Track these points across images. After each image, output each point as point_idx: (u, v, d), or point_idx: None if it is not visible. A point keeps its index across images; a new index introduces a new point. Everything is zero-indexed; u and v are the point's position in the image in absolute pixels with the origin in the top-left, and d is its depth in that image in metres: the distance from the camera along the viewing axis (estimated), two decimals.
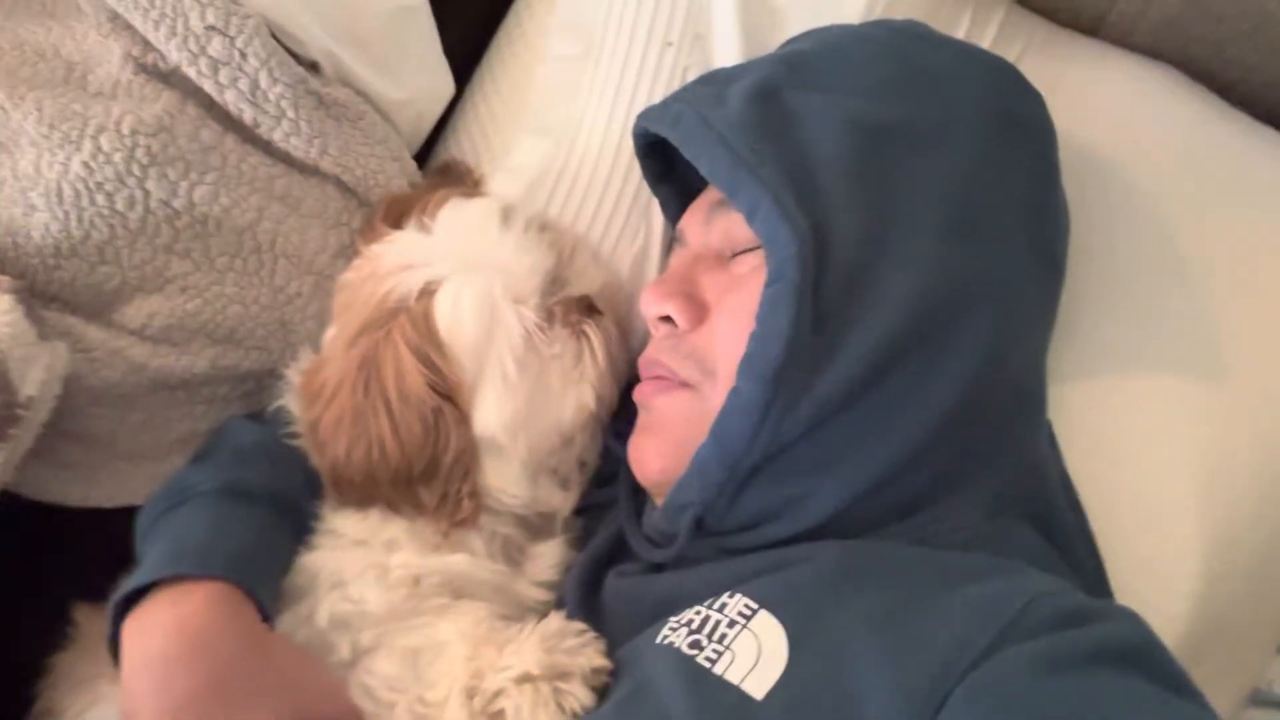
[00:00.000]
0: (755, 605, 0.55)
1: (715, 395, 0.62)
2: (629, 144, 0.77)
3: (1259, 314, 0.76)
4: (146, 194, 0.72)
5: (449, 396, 0.66)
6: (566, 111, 0.85)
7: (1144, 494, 0.72)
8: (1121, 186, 0.80)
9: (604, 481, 0.78)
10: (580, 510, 0.77)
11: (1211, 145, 0.81)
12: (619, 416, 0.77)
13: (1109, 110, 0.83)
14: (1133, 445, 0.74)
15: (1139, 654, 0.48)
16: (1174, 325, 0.76)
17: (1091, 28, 0.88)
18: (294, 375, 0.74)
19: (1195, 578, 0.71)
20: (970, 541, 0.60)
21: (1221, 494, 0.72)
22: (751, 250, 0.64)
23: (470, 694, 0.59)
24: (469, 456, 0.68)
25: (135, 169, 0.71)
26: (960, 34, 0.84)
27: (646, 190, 0.80)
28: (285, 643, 0.63)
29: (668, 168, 0.77)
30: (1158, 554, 0.71)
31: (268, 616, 0.63)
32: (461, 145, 0.92)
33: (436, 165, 0.91)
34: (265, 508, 0.67)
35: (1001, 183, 0.64)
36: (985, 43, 0.84)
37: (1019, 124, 0.67)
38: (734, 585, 0.57)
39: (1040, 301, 0.67)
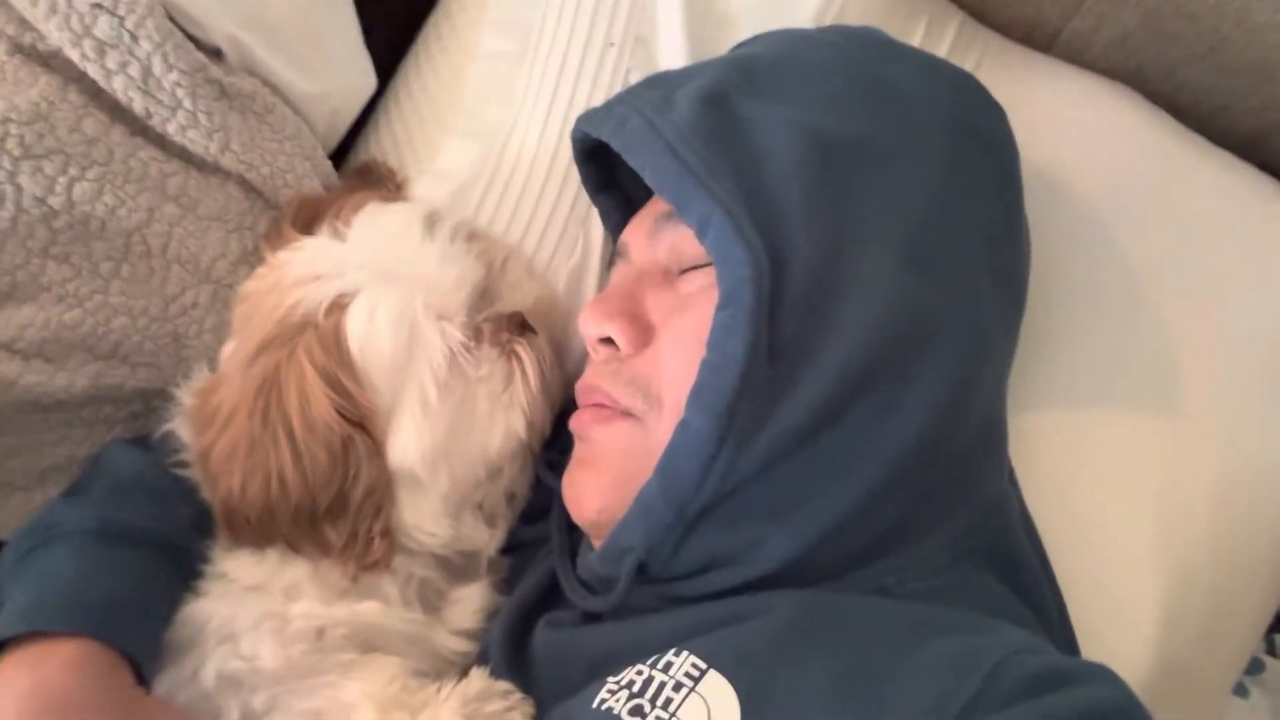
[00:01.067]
0: (704, 665, 0.50)
1: (660, 427, 0.58)
2: (567, 149, 0.73)
3: (1216, 343, 0.75)
4: (18, 190, 0.65)
5: (360, 424, 0.61)
6: (499, 113, 0.81)
7: (1100, 531, 0.72)
8: (1078, 209, 0.78)
9: (534, 517, 0.74)
10: (507, 549, 0.73)
11: (1170, 169, 0.80)
12: (552, 445, 0.73)
13: (1065, 129, 0.81)
14: (1091, 482, 0.73)
15: (1120, 717, 0.45)
16: (1132, 355, 0.75)
17: (1045, 44, 0.87)
18: (186, 396, 0.68)
19: (1155, 622, 0.70)
20: (935, 590, 0.57)
21: (1179, 531, 0.72)
22: (701, 268, 0.60)
23: None
24: (382, 491, 0.63)
25: (5, 161, 0.64)
26: (914, 45, 0.80)
27: (585, 199, 0.77)
28: (163, 710, 0.56)
29: (608, 175, 0.74)
30: (1118, 597, 0.70)
31: (144, 679, 0.56)
32: (383, 146, 0.87)
33: (354, 166, 0.86)
34: (144, 550, 0.60)
35: (966, 203, 0.61)
36: (940, 55, 0.81)
37: (983, 140, 0.64)
38: (680, 640, 0.52)
39: (1004, 330, 0.64)
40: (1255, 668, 0.84)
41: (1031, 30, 0.87)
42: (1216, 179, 0.79)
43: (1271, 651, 0.85)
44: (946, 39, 0.84)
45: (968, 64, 0.83)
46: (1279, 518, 0.72)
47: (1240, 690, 0.83)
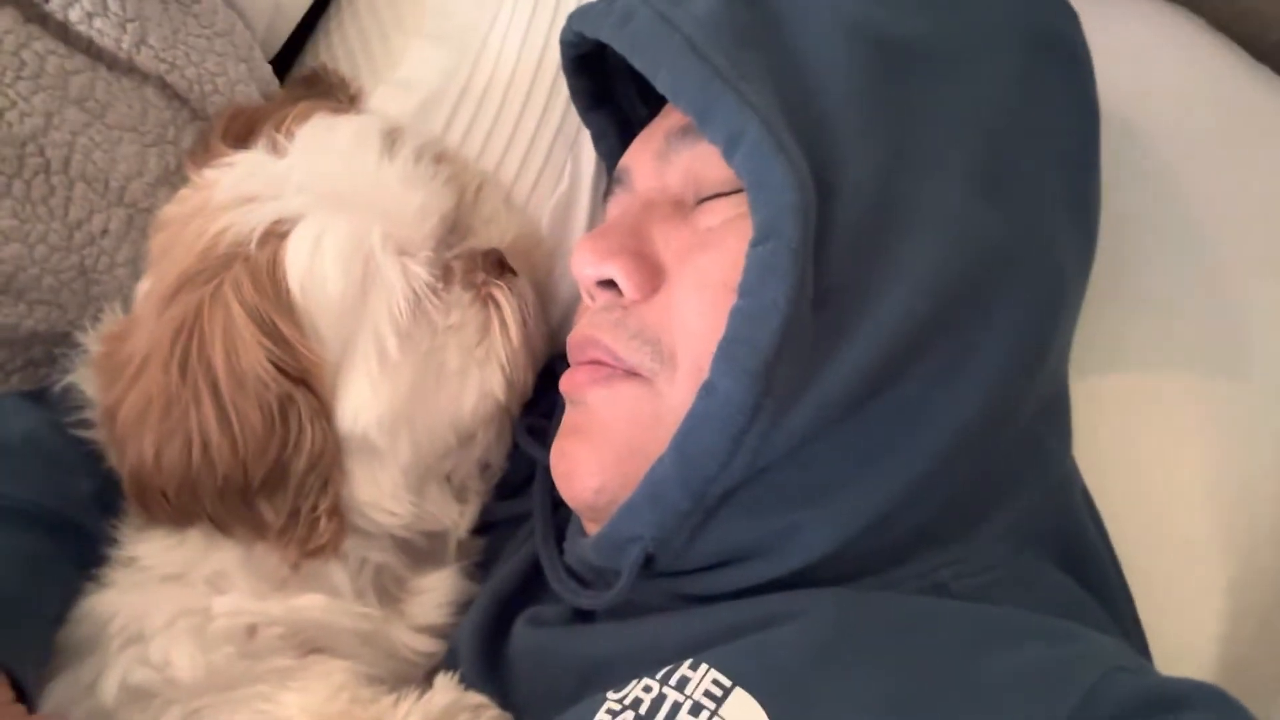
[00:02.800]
0: (728, 682, 0.43)
1: (674, 391, 0.50)
2: (554, 56, 0.67)
3: None
4: None
5: (301, 379, 0.55)
6: (472, 12, 0.73)
7: (1158, 517, 0.65)
8: (1136, 145, 0.71)
9: (513, 491, 0.67)
10: (481, 529, 0.66)
11: (1236, 101, 0.73)
12: (534, 408, 0.66)
13: (1120, 56, 0.73)
14: (1145, 458, 0.66)
15: None
16: (1190, 314, 0.68)
17: None
18: (93, 343, 0.61)
19: (1219, 615, 0.64)
20: (994, 585, 0.50)
21: (1247, 516, 0.65)
22: (725, 195, 0.52)
23: None
24: (329, 461, 0.56)
25: None
26: None
27: (575, 118, 0.69)
28: None
29: (604, 89, 0.66)
30: (1180, 586, 0.63)
31: (26, 693, 0.47)
32: (334, 51, 0.78)
33: (299, 74, 0.77)
34: (32, 530, 0.52)
35: (1041, 123, 0.54)
36: None
37: (1060, 51, 0.56)
38: (697, 649, 0.45)
39: (1080, 280, 0.57)
40: None
41: None
42: None
43: None
44: None
45: None
46: None
47: None
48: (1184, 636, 0.63)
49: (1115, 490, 0.63)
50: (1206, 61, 0.74)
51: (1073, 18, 0.58)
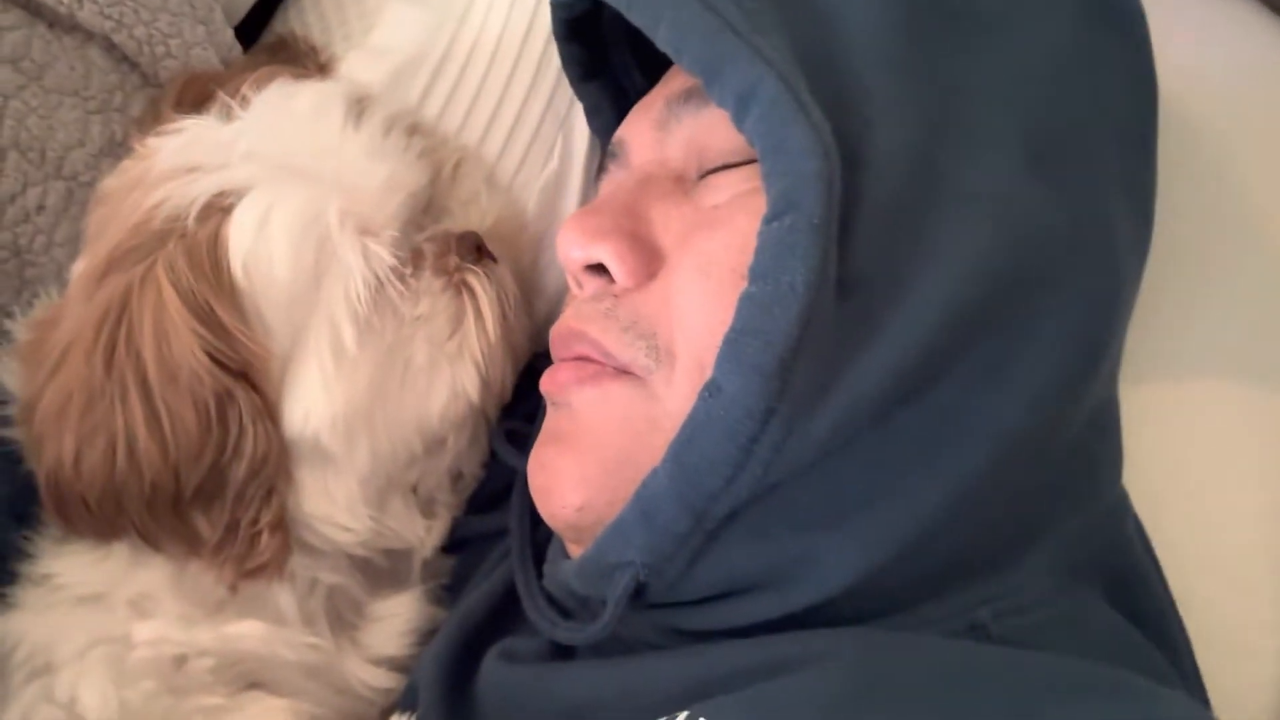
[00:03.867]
0: None
1: (672, 392, 0.44)
2: (544, 22, 0.64)
3: None
4: None
5: (243, 373, 0.50)
6: None
7: (1211, 543, 0.60)
8: (1189, 133, 0.66)
9: (488, 505, 0.63)
10: (450, 547, 0.62)
11: None
12: (514, 411, 0.62)
13: (1176, 40, 0.67)
14: (1202, 477, 0.61)
15: None
16: (1246, 318, 0.63)
17: None
18: (21, 330, 0.57)
19: (1276, 657, 0.59)
20: (1041, 626, 0.44)
21: None
22: (734, 167, 0.46)
23: None
24: (274, 467, 0.52)
25: None
26: None
27: (567, 90, 0.64)
28: None
29: (599, 59, 0.61)
30: (1234, 627, 0.58)
31: None
32: (305, 16, 0.74)
33: (265, 42, 0.73)
34: None
35: (1096, 94, 0.49)
36: None
37: (1115, 16, 0.51)
38: (692, 698, 0.39)
39: (1137, 269, 0.52)
40: None
41: None
42: None
43: None
44: None
45: None
46: None
47: None
48: (1240, 681, 0.57)
49: (1163, 516, 0.58)
50: (1264, 46, 0.69)
51: None
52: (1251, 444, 0.61)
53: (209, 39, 0.65)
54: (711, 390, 0.40)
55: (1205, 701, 0.51)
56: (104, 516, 0.50)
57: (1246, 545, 0.60)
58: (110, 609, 0.51)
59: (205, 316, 0.48)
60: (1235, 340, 0.63)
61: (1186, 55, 0.66)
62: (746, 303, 0.39)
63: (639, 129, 0.52)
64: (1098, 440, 0.50)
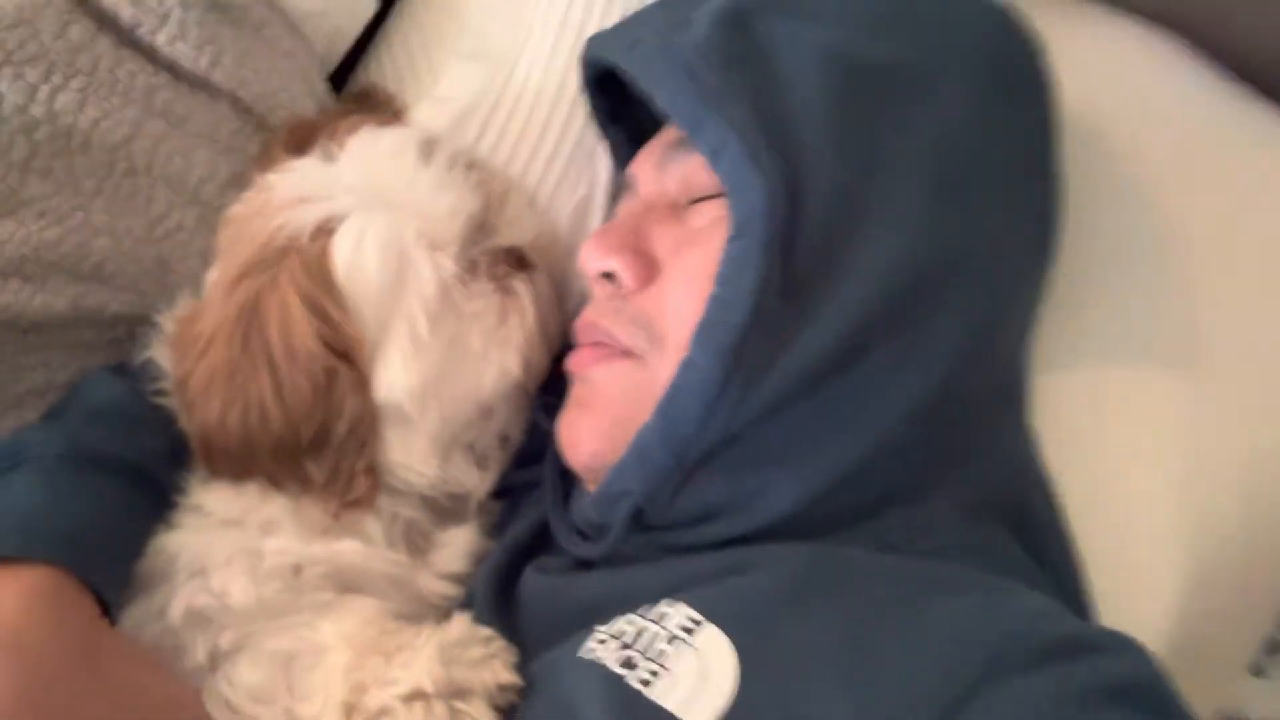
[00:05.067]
0: (700, 618, 0.48)
1: (663, 367, 0.55)
2: (575, 77, 0.71)
3: (1251, 305, 0.72)
4: None
5: (345, 354, 0.59)
6: (505, 36, 0.78)
7: (1123, 499, 0.68)
8: (1113, 160, 0.74)
9: (528, 460, 0.71)
10: (499, 493, 0.71)
11: (1214, 119, 0.76)
12: (549, 387, 0.70)
13: (1106, 77, 0.77)
14: (1112, 445, 0.69)
15: (1145, 691, 0.44)
16: (1160, 313, 0.71)
17: None
18: (168, 323, 0.67)
19: (1177, 593, 0.67)
20: (946, 548, 0.55)
21: (1204, 501, 0.68)
22: (712, 198, 0.57)
23: (349, 711, 0.51)
24: (367, 426, 0.61)
25: None
26: None
27: (593, 131, 0.74)
28: (124, 645, 0.54)
29: (619, 106, 0.71)
30: (1136, 565, 0.67)
31: (109, 611, 0.54)
32: (384, 69, 0.84)
33: (353, 91, 0.84)
34: (116, 478, 0.58)
35: (998, 138, 0.59)
36: None
37: (1020, 75, 0.61)
38: (676, 591, 0.50)
39: (1031, 278, 0.62)
40: (1273, 648, 0.82)
41: None
42: (1263, 132, 0.75)
43: None
44: None
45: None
46: None
47: (1259, 671, 0.80)
48: (1142, 612, 0.65)
49: (1081, 476, 0.66)
50: (1181, 80, 0.77)
51: (1033, 46, 0.63)
52: (1162, 420, 0.68)
53: (309, 91, 0.76)
54: (688, 364, 0.51)
55: (1090, 618, 0.61)
56: (241, 462, 0.60)
57: (1156, 502, 0.67)
58: (245, 530, 0.60)
59: (318, 311, 0.58)
60: (1153, 335, 0.70)
61: (1108, 90, 0.75)
62: (713, 302, 0.51)
63: (645, 167, 0.63)
64: (1000, 408, 0.60)
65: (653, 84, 0.56)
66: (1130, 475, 0.69)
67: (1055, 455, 0.67)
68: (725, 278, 0.51)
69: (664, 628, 0.48)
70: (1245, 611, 0.71)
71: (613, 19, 0.74)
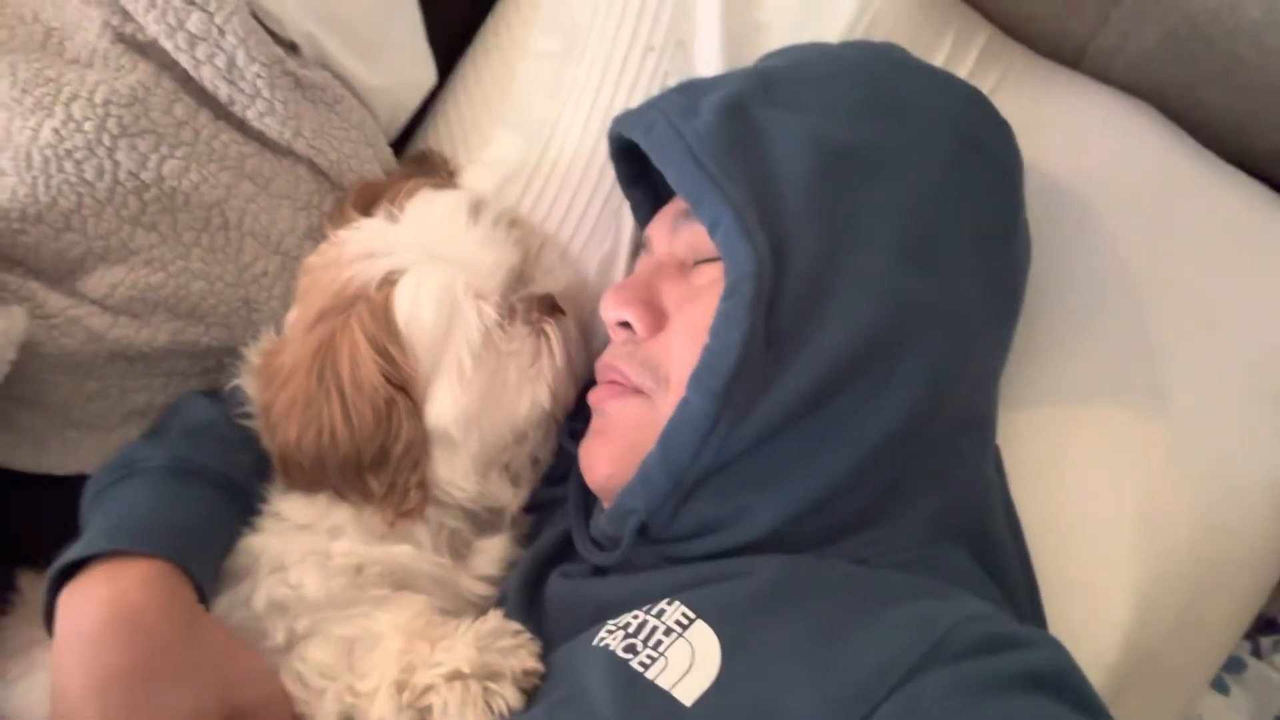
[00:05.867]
0: (692, 615, 0.55)
1: (666, 404, 0.62)
2: (604, 146, 0.77)
3: (1211, 354, 0.77)
4: (115, 164, 0.71)
5: (403, 387, 0.66)
6: (545, 108, 0.85)
7: (1083, 523, 0.74)
8: (1088, 220, 0.81)
9: (555, 480, 0.78)
10: (529, 508, 0.77)
11: (1181, 184, 0.82)
12: (575, 417, 0.76)
13: (1081, 142, 0.84)
14: (1075, 475, 0.75)
15: (1057, 679, 0.49)
16: (1126, 360, 0.77)
17: (1072, 59, 0.89)
18: (253, 355, 0.73)
19: (1128, 608, 0.72)
20: (909, 563, 0.61)
21: (1159, 528, 0.74)
22: (712, 261, 0.64)
23: (400, 687, 0.58)
24: (419, 448, 0.67)
25: (105, 139, 0.70)
26: (940, 58, 0.84)
27: (619, 193, 0.80)
28: (218, 626, 0.62)
29: (641, 171, 0.77)
30: (1092, 582, 0.72)
31: (204, 598, 0.62)
32: (440, 135, 0.91)
33: (412, 155, 0.90)
34: (211, 487, 0.67)
35: (961, 209, 0.64)
36: (965, 68, 0.85)
37: (984, 151, 0.67)
38: (673, 593, 0.57)
39: (993, 331, 0.67)
40: (1237, 666, 0.86)
41: (1058, 45, 0.88)
42: (1225, 196, 0.80)
43: (1256, 653, 0.87)
44: (973, 51, 0.86)
45: (992, 77, 0.86)
46: (1259, 521, 0.74)
47: (1221, 687, 0.85)
48: (1095, 625, 0.71)
49: (1046, 503, 0.73)
50: (1149, 144, 0.82)
51: (1002, 125, 0.70)
52: (1119, 450, 0.75)
53: (375, 156, 0.83)
54: (684, 403, 0.59)
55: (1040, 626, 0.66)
56: (313, 476, 0.67)
57: (1110, 523, 0.73)
58: (316, 534, 0.66)
59: (382, 351, 0.64)
60: (1111, 374, 0.76)
61: (1082, 152, 0.81)
62: (707, 351, 0.58)
63: (659, 231, 0.70)
64: (965, 439, 0.66)
65: (664, 164, 0.64)
66: (1088, 501, 0.74)
67: (1020, 485, 0.73)
68: (717, 331, 0.58)
69: (662, 622, 0.56)
70: (1201, 628, 0.76)
71: (636, 99, 0.82)
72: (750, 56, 0.80)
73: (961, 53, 0.86)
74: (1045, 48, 0.89)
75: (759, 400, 0.58)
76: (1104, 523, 0.73)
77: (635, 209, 0.80)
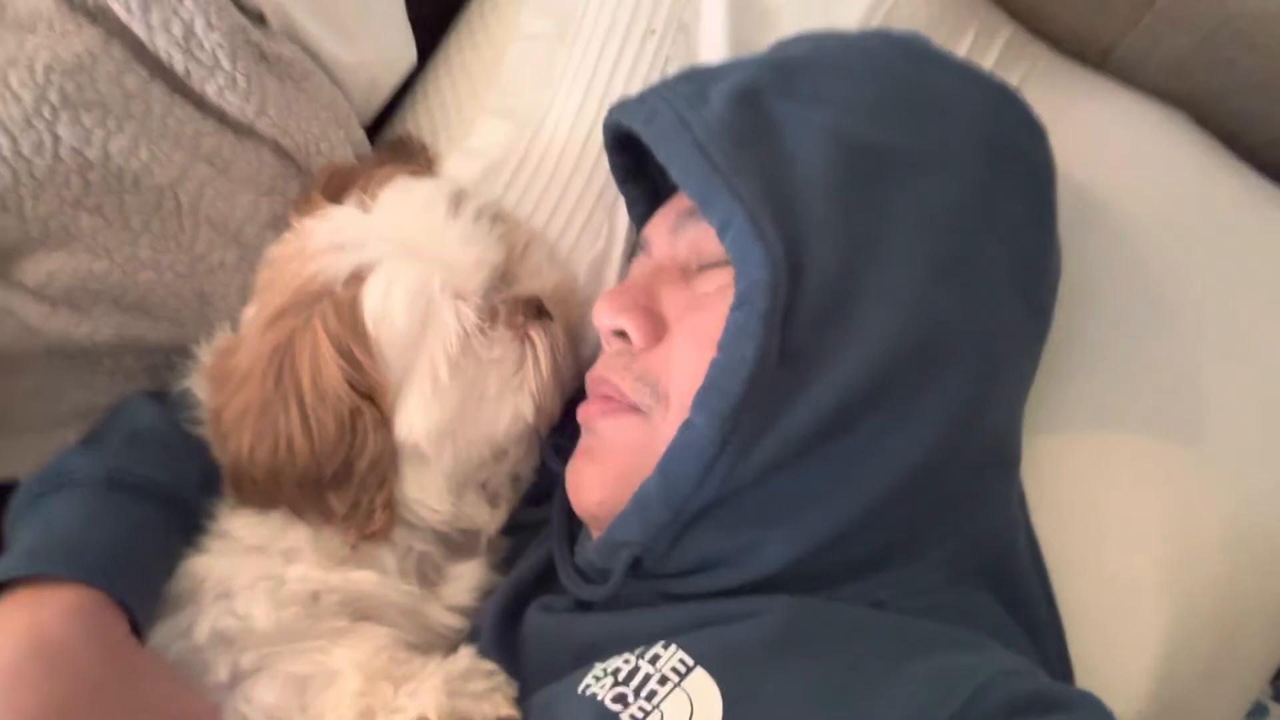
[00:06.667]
0: (691, 661, 0.50)
1: (666, 425, 0.58)
2: (599, 136, 0.73)
3: (1242, 376, 0.73)
4: (56, 139, 0.66)
5: (369, 396, 0.62)
6: (535, 94, 0.80)
7: (1109, 563, 0.70)
8: (1114, 232, 0.77)
9: (537, 500, 0.74)
10: (508, 530, 0.73)
11: (1211, 197, 0.78)
12: (560, 431, 0.73)
13: (1109, 150, 0.80)
14: (1101, 509, 0.71)
15: None
16: (1155, 383, 0.73)
17: (1097, 60, 0.85)
18: (205, 355, 0.69)
19: (1157, 656, 0.68)
20: (929, 607, 0.57)
21: (1188, 569, 0.70)
22: (719, 266, 0.60)
23: None
24: (387, 463, 0.63)
25: (46, 110, 0.65)
26: (961, 53, 0.80)
27: (613, 188, 0.76)
28: (154, 661, 0.57)
29: (638, 165, 0.73)
30: (1120, 628, 0.69)
31: (139, 629, 0.57)
32: (419, 120, 0.86)
33: (388, 140, 0.86)
34: (151, 502, 0.62)
35: (995, 220, 0.60)
36: (986, 66, 0.81)
37: (1018, 158, 0.63)
38: (670, 635, 0.53)
39: (1024, 351, 0.63)
40: (1259, 711, 0.84)
41: (1084, 46, 0.84)
42: (1259, 211, 0.77)
43: (1277, 697, 0.84)
44: (994, 49, 0.83)
45: (1014, 76, 0.82)
46: None
47: None
48: (1123, 672, 0.67)
49: (1071, 539, 0.69)
50: (1182, 154, 0.79)
51: (1037, 129, 0.65)
52: (1148, 483, 0.70)
53: (347, 140, 0.78)
54: (687, 425, 0.54)
55: (1068, 677, 0.63)
56: (267, 492, 0.62)
57: (1136, 563, 0.69)
58: (269, 556, 0.62)
59: (346, 354, 0.60)
60: (1143, 401, 0.72)
61: (1112, 164, 0.77)
62: (714, 367, 0.53)
63: (659, 231, 0.65)
64: (991, 474, 0.62)
65: (668, 157, 0.59)
66: (1113, 538, 0.70)
67: (1042, 517, 0.69)
68: (726, 345, 0.53)
69: (656, 669, 0.51)
70: (1229, 675, 0.72)
71: (636, 85, 0.77)
72: (759, 43, 0.75)
73: (983, 50, 0.82)
74: (1069, 47, 0.85)
75: (771, 425, 0.54)
76: (1129, 561, 0.69)
77: (631, 207, 0.76)
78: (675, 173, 0.58)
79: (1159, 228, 0.76)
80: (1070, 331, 0.72)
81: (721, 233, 0.55)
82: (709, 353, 0.54)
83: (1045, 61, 0.84)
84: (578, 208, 0.78)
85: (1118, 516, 0.71)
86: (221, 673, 0.59)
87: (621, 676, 0.51)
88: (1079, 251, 0.73)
